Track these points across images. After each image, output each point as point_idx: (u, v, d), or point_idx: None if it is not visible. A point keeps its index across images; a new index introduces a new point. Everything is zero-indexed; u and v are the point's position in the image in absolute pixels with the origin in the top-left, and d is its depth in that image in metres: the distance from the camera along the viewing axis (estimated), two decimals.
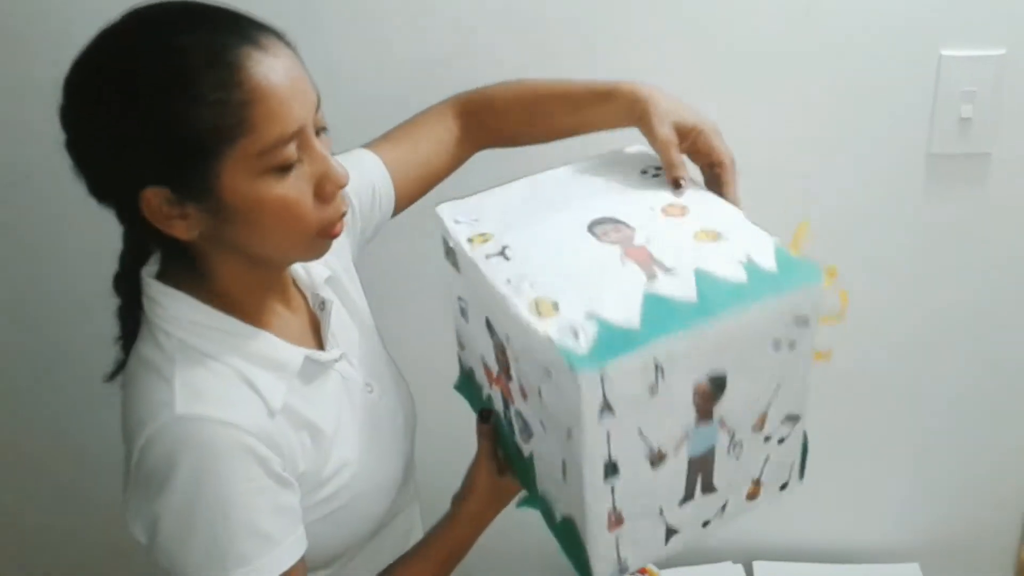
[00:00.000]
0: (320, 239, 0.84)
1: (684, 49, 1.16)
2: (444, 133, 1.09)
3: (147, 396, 0.80)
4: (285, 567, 0.81)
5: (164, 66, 0.74)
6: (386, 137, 1.08)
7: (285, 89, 0.76)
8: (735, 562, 1.41)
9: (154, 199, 0.77)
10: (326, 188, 0.81)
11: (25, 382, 1.43)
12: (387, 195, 1.05)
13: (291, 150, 0.77)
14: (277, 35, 0.80)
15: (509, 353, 0.82)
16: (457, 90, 1.11)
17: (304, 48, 0.82)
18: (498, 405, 0.93)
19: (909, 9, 1.12)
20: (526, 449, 0.88)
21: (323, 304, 0.94)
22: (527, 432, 0.86)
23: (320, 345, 0.93)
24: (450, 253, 0.89)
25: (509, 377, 0.85)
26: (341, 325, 0.96)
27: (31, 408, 1.44)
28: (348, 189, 0.89)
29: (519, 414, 0.86)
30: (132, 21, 0.78)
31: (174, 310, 0.83)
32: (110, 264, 0.87)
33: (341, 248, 1.00)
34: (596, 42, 1.17)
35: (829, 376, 1.29)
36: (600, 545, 0.79)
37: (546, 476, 0.86)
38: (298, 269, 0.95)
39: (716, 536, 0.86)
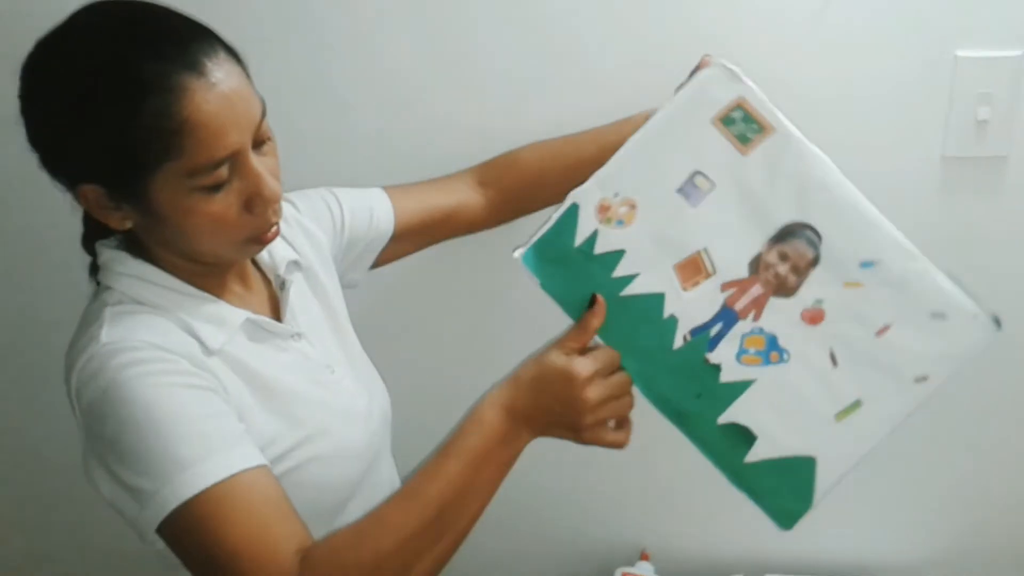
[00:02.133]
0: (250, 245, 0.88)
1: (697, 49, 1.14)
2: (456, 179, 1.16)
3: (79, 341, 0.84)
4: (238, 468, 0.79)
5: (103, 83, 0.78)
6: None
7: (220, 117, 0.79)
8: None
9: (91, 194, 0.83)
10: (255, 204, 0.84)
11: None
12: (386, 218, 1.10)
13: (221, 172, 0.81)
14: (225, 51, 0.83)
15: (817, 266, 0.83)
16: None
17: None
18: (676, 308, 0.85)
19: (925, 10, 1.12)
20: (741, 372, 0.85)
21: (284, 284, 0.97)
22: (771, 352, 0.84)
23: (279, 320, 0.96)
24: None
25: (781, 288, 0.84)
26: (304, 308, 0.99)
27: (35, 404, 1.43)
28: (345, 203, 1.06)
29: (763, 331, 0.84)
30: (86, 24, 0.82)
31: (119, 267, 0.87)
32: None
33: (317, 242, 1.04)
34: (606, 46, 1.16)
35: None
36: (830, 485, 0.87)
37: (773, 408, 0.85)
38: (262, 252, 0.97)
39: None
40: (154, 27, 0.81)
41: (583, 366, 0.84)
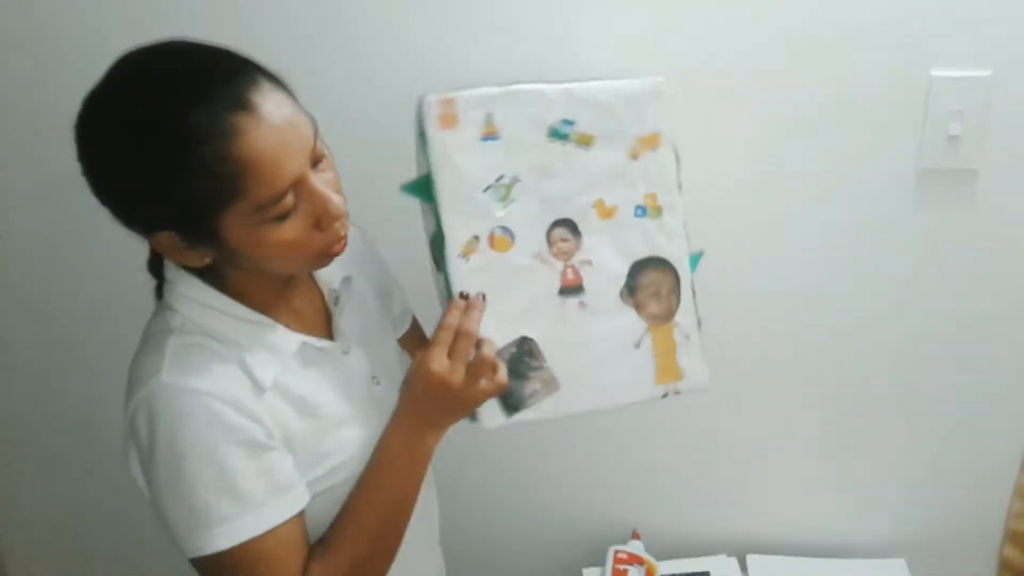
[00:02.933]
0: (322, 259, 0.90)
1: (678, 66, 1.19)
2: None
3: (142, 364, 0.87)
4: (270, 526, 0.86)
5: (157, 135, 0.78)
6: None
7: (275, 150, 0.79)
8: (729, 555, 1.46)
9: (166, 241, 0.84)
10: (323, 222, 0.86)
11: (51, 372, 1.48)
12: (404, 309, 1.18)
13: (287, 201, 0.82)
14: (268, 80, 0.82)
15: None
16: None
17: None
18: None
19: (901, 32, 1.17)
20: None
21: (337, 299, 1.00)
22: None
23: (330, 336, 0.99)
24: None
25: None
26: (352, 321, 1.02)
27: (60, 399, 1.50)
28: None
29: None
30: (130, 77, 0.81)
31: (184, 290, 0.90)
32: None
33: (369, 268, 1.09)
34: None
35: (822, 379, 1.36)
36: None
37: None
38: None
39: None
40: (195, 70, 0.80)
41: (438, 365, 0.94)
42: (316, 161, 0.85)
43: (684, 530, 1.48)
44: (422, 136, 0.97)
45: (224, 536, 0.85)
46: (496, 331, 0.99)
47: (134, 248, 0.91)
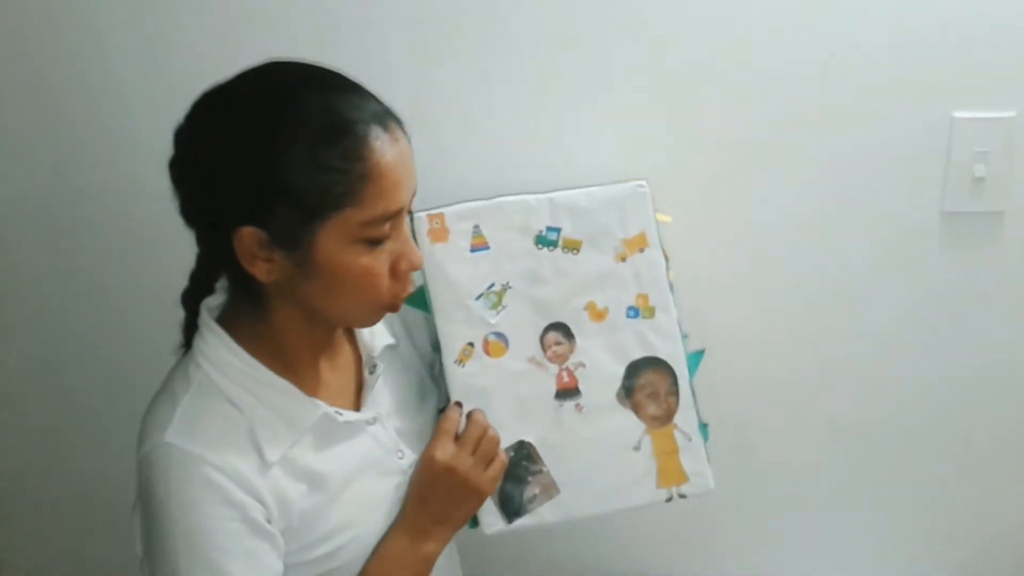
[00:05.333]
0: (381, 311, 0.90)
1: (702, 112, 1.19)
2: None
3: (154, 415, 0.86)
4: None
5: (296, 121, 0.80)
6: None
7: (398, 171, 0.83)
8: None
9: (248, 238, 0.82)
10: (401, 266, 0.87)
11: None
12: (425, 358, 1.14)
13: (387, 227, 0.84)
14: (398, 121, 0.86)
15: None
16: None
17: None
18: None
19: (923, 73, 1.16)
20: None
21: (374, 368, 0.98)
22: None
23: (358, 404, 0.96)
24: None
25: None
26: (386, 390, 0.99)
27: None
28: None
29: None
30: (273, 70, 0.84)
31: (213, 346, 0.88)
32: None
33: (417, 329, 1.09)
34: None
35: (844, 428, 1.33)
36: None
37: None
38: (363, 331, 0.99)
39: None
40: (343, 81, 0.84)
41: (443, 452, 0.95)
42: (408, 211, 0.88)
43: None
44: None
45: None
46: None
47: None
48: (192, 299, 0.92)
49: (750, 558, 1.43)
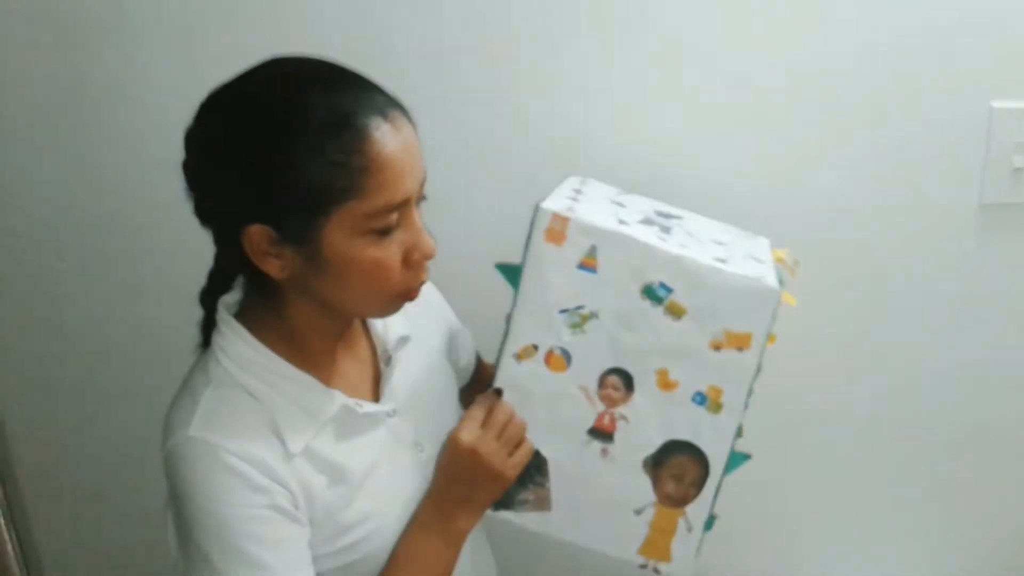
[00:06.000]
0: (397, 300, 0.89)
1: (736, 105, 1.19)
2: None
3: (176, 411, 0.86)
4: None
5: (296, 118, 0.79)
6: None
7: (402, 162, 0.82)
8: None
9: (257, 235, 0.82)
10: (414, 256, 0.86)
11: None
12: (469, 361, 1.15)
13: (393, 218, 0.83)
14: (402, 110, 0.85)
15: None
16: None
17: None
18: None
19: (960, 63, 1.15)
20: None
21: (390, 360, 0.98)
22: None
23: (376, 396, 0.96)
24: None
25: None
26: (403, 383, 0.99)
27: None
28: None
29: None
30: (274, 68, 0.84)
31: (231, 341, 0.88)
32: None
33: (436, 322, 1.08)
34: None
35: (879, 420, 1.31)
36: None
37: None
38: (376, 323, 0.99)
39: None
40: (344, 74, 0.84)
41: (469, 435, 0.94)
42: (419, 200, 0.87)
43: None
44: (529, 236, 0.98)
45: None
46: None
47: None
48: (210, 297, 0.92)
49: (755, 554, 1.43)
